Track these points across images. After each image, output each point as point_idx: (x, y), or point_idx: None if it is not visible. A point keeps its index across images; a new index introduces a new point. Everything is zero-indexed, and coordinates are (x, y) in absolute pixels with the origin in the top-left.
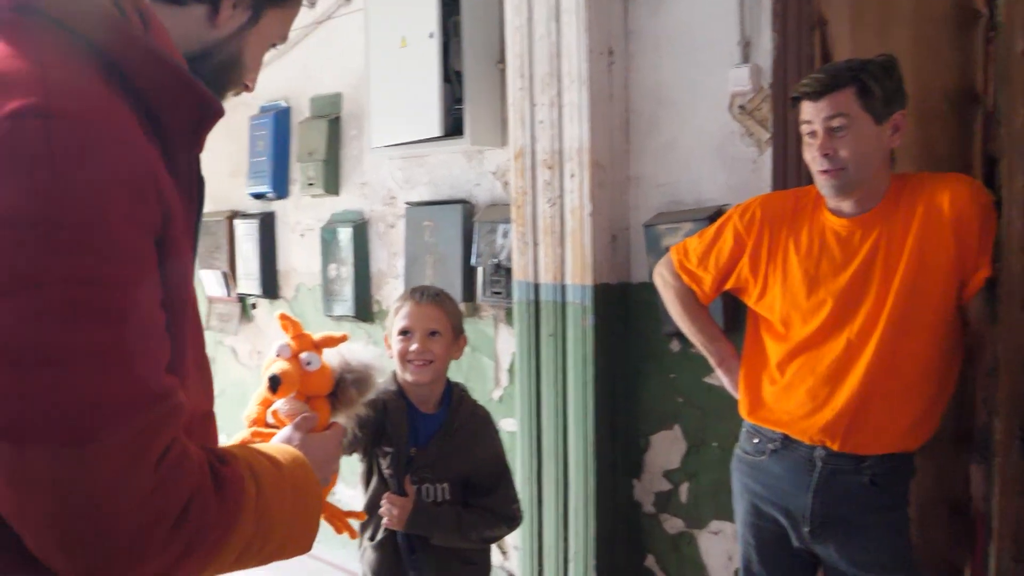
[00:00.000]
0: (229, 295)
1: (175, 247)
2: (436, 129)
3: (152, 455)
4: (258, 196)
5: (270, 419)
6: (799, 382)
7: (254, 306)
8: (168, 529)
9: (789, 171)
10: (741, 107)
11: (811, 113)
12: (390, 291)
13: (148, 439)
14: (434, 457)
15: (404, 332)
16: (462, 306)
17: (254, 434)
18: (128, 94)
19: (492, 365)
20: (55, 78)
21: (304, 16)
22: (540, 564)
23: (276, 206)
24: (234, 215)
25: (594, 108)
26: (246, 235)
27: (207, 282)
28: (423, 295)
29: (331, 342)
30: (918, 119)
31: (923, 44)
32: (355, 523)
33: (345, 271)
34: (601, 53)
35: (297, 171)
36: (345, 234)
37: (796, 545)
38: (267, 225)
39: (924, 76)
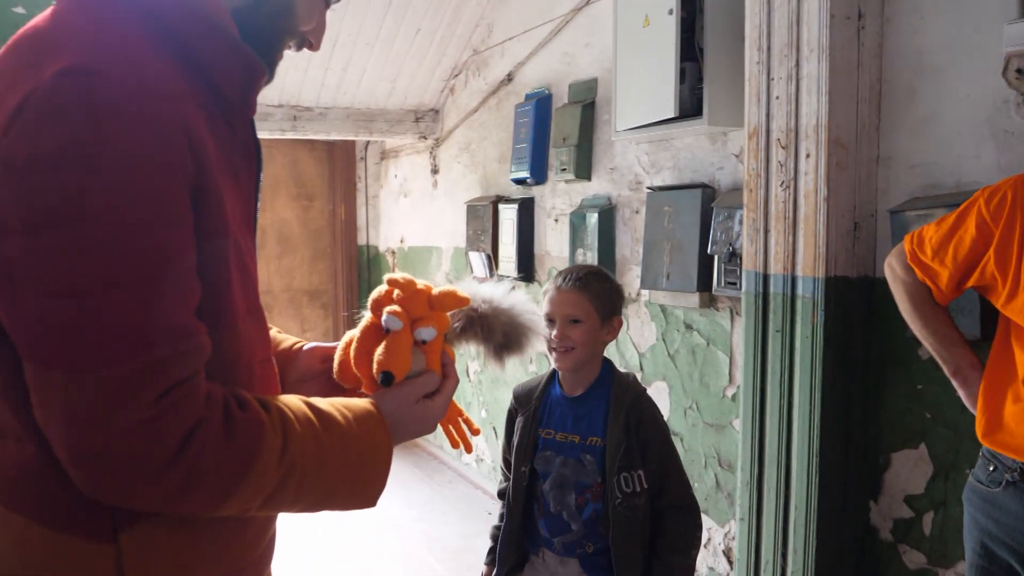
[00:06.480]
0: (491, 277)
1: (211, 196)
2: (670, 110)
3: (152, 390)
4: (519, 182)
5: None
6: None
7: (512, 288)
8: (166, 458)
9: None
10: (1018, 70)
11: None
12: (632, 279)
13: (149, 376)
14: (621, 447)
15: (548, 319)
16: (695, 297)
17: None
18: (188, 65)
19: (727, 360)
20: (104, 42)
21: (564, 4)
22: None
23: (535, 191)
24: (499, 200)
25: (835, 80)
26: (507, 219)
27: (474, 263)
28: (565, 280)
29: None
30: None
31: None
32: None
33: (591, 256)
34: (847, 18)
35: (554, 157)
36: (592, 220)
37: None
38: (526, 210)
39: None
